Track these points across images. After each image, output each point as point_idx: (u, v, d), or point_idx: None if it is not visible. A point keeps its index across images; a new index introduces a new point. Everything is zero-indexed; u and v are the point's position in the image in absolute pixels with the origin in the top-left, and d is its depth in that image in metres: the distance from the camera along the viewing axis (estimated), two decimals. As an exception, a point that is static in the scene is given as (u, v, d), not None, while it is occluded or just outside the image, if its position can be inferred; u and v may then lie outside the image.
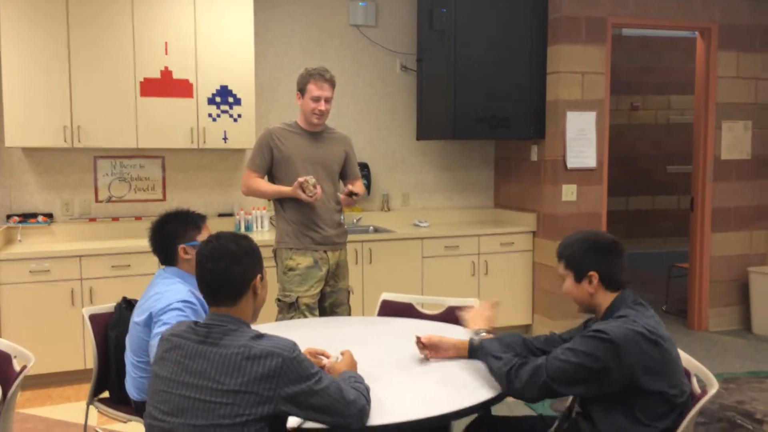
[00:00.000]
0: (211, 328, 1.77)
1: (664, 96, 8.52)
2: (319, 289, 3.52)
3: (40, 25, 4.35)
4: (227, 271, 1.80)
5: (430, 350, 2.42)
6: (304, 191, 3.33)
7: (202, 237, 2.57)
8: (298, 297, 3.44)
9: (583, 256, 2.15)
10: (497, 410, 2.51)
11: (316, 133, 3.56)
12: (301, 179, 3.33)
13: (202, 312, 2.48)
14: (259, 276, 1.87)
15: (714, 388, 2.05)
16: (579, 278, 2.16)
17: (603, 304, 2.15)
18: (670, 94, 8.52)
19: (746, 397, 4.12)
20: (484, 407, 2.10)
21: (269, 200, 4.97)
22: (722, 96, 5.50)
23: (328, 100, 3.47)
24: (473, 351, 2.31)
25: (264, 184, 3.54)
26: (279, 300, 3.51)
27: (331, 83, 3.49)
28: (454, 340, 2.43)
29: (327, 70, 3.50)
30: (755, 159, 5.64)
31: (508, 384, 2.07)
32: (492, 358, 2.17)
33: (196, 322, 1.82)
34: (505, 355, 2.14)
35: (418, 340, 2.43)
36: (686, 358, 2.21)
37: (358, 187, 3.60)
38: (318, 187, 3.36)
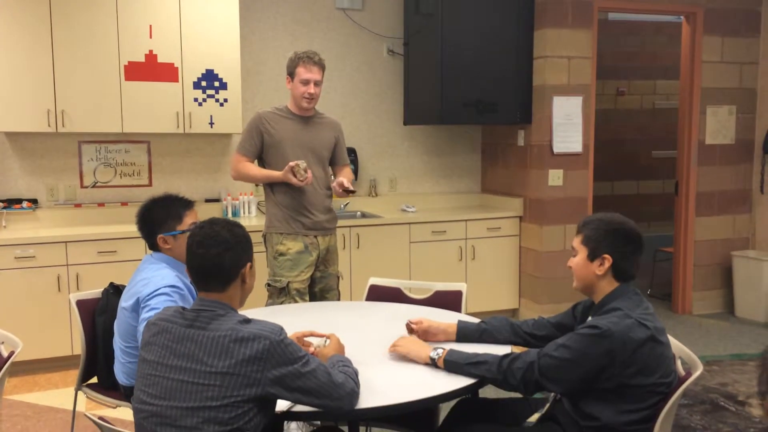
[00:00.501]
0: (199, 312, 1.77)
1: (649, 81, 8.55)
2: (309, 274, 3.52)
3: (22, 8, 4.28)
4: (218, 258, 1.80)
5: (419, 335, 2.43)
6: (294, 175, 3.32)
7: (183, 226, 2.54)
8: (288, 282, 3.44)
9: (605, 237, 2.11)
10: (484, 392, 2.53)
11: (306, 117, 3.55)
12: (292, 163, 3.32)
13: (190, 297, 2.48)
14: (249, 264, 1.88)
15: (698, 370, 2.07)
16: (592, 257, 2.13)
17: (604, 290, 2.14)
18: (656, 79, 8.55)
19: (729, 379, 4.18)
20: (471, 390, 2.12)
21: (256, 185, 4.96)
22: (707, 81, 5.53)
23: (317, 84, 3.46)
24: (446, 363, 2.15)
25: (254, 169, 3.52)
26: (269, 285, 3.50)
27: (320, 66, 3.47)
28: (443, 326, 2.44)
29: (316, 53, 3.48)
30: (739, 143, 5.69)
31: (503, 383, 2.07)
32: (469, 366, 2.09)
33: (183, 308, 1.83)
34: (480, 357, 2.10)
35: (409, 324, 2.44)
36: (671, 341, 2.24)
37: (347, 175, 3.59)
38: (309, 171, 3.35)
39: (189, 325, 1.75)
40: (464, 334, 2.43)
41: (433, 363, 2.17)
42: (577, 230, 2.21)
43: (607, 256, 2.11)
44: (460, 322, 2.48)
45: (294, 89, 3.47)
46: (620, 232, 2.13)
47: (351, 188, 3.44)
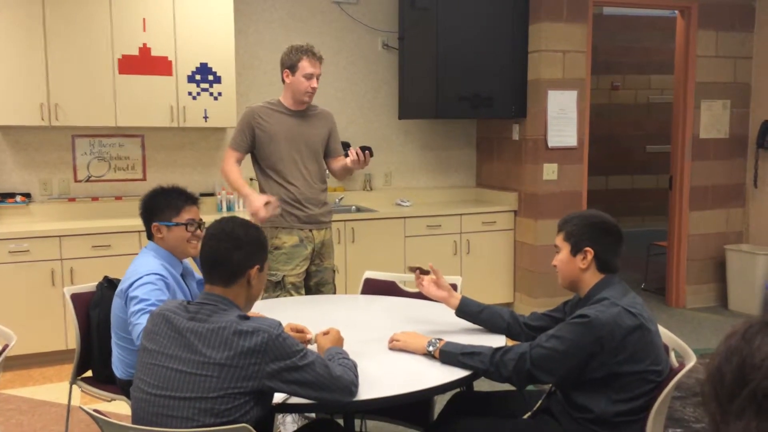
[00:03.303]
0: (201, 306, 1.79)
1: (644, 76, 8.57)
2: (304, 268, 3.52)
3: (15, 2, 4.25)
4: (227, 253, 1.83)
5: (428, 281, 2.51)
6: (253, 211, 3.24)
7: (179, 219, 2.52)
8: (284, 276, 3.44)
9: (585, 231, 2.16)
10: (479, 385, 2.54)
11: (299, 111, 3.53)
12: (270, 201, 3.24)
13: (176, 287, 2.48)
14: (257, 267, 1.89)
15: (692, 361, 2.09)
16: (575, 252, 2.17)
17: (589, 283, 2.16)
18: (650, 74, 8.57)
19: (722, 371, 4.20)
20: (466, 382, 2.13)
21: (251, 179, 4.95)
22: (701, 75, 5.55)
23: (318, 78, 3.45)
24: (441, 354, 2.17)
25: (232, 174, 3.45)
26: None
27: (321, 61, 3.48)
28: (448, 287, 2.53)
29: (316, 47, 3.48)
30: (732, 138, 5.71)
31: (495, 374, 2.08)
32: (463, 357, 2.11)
33: (188, 301, 1.85)
34: (475, 348, 2.12)
35: (429, 267, 2.50)
36: (664, 333, 2.25)
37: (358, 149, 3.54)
38: (274, 211, 3.27)
39: (191, 317, 1.77)
40: (465, 304, 2.49)
41: (429, 354, 2.19)
42: (558, 229, 2.26)
43: (588, 249, 2.15)
44: (464, 296, 2.53)
45: (296, 83, 3.44)
46: (600, 226, 2.17)
47: (365, 151, 3.33)
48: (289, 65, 3.44)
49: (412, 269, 2.55)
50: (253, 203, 3.26)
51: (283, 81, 3.50)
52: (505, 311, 2.47)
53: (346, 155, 3.47)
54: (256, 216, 3.23)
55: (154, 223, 2.52)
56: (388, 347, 2.30)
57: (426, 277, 2.55)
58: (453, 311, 2.52)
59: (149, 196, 2.58)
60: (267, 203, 3.25)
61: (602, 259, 2.15)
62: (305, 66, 3.40)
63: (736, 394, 0.91)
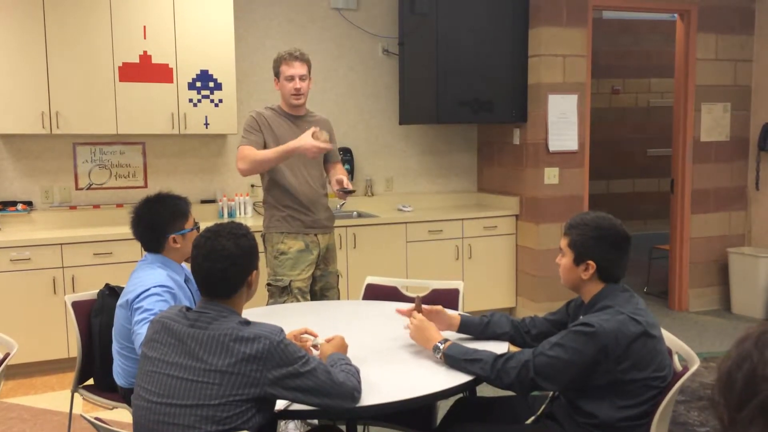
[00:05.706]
0: (201, 314, 1.78)
1: (644, 79, 8.57)
2: (310, 273, 3.51)
3: (15, 10, 4.27)
4: (224, 273, 1.81)
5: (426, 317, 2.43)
6: (306, 149, 3.24)
7: (190, 224, 2.56)
8: (291, 281, 3.43)
9: (589, 242, 2.10)
10: (482, 390, 2.53)
11: (299, 117, 3.55)
12: (315, 129, 3.26)
13: (182, 296, 2.48)
14: (255, 272, 1.89)
15: (695, 364, 2.07)
16: (578, 262, 2.12)
17: (591, 291, 2.14)
18: (651, 77, 8.57)
19: (725, 374, 4.18)
20: (468, 387, 2.12)
21: (252, 185, 4.95)
22: (701, 78, 5.54)
23: (303, 78, 3.44)
24: (446, 358, 2.16)
25: (260, 152, 3.37)
26: (270, 285, 3.49)
27: (303, 60, 3.46)
28: (448, 317, 2.44)
29: (297, 49, 3.50)
30: (734, 140, 5.71)
31: (496, 381, 2.07)
32: (466, 362, 2.10)
33: (188, 308, 1.83)
34: (477, 354, 2.11)
35: (419, 305, 2.42)
36: (667, 337, 2.24)
37: (341, 173, 3.59)
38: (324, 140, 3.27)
39: (191, 325, 1.76)
40: (466, 324, 2.44)
41: (435, 355, 2.18)
42: (564, 230, 2.20)
43: (591, 262, 2.10)
44: (463, 315, 2.49)
45: (282, 88, 3.49)
46: (607, 239, 2.11)
47: (350, 188, 3.41)
48: (275, 73, 3.51)
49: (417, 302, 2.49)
50: (305, 144, 3.23)
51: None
52: (505, 323, 2.42)
53: (344, 164, 3.49)
54: (311, 151, 3.25)
55: (172, 236, 2.51)
56: (404, 327, 2.34)
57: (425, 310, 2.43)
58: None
59: (149, 211, 2.53)
60: (313, 133, 3.24)
61: (606, 270, 2.11)
62: (284, 69, 3.44)
63: (746, 403, 0.90)
